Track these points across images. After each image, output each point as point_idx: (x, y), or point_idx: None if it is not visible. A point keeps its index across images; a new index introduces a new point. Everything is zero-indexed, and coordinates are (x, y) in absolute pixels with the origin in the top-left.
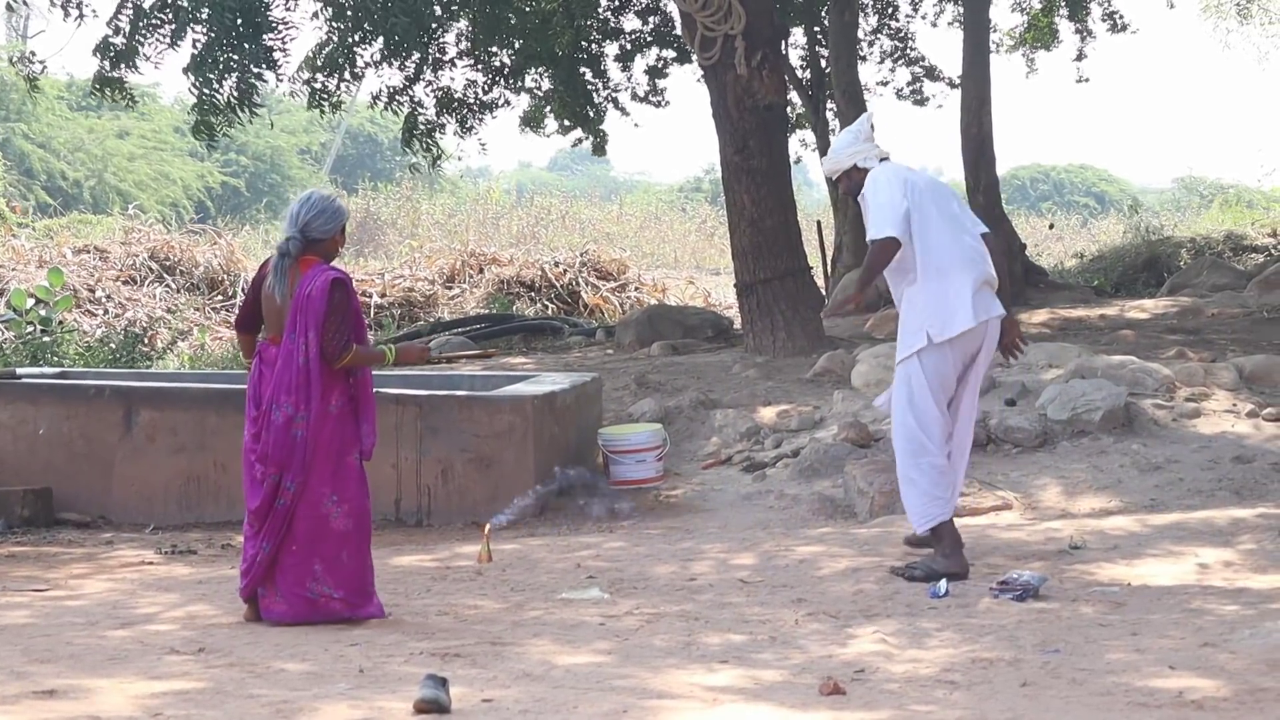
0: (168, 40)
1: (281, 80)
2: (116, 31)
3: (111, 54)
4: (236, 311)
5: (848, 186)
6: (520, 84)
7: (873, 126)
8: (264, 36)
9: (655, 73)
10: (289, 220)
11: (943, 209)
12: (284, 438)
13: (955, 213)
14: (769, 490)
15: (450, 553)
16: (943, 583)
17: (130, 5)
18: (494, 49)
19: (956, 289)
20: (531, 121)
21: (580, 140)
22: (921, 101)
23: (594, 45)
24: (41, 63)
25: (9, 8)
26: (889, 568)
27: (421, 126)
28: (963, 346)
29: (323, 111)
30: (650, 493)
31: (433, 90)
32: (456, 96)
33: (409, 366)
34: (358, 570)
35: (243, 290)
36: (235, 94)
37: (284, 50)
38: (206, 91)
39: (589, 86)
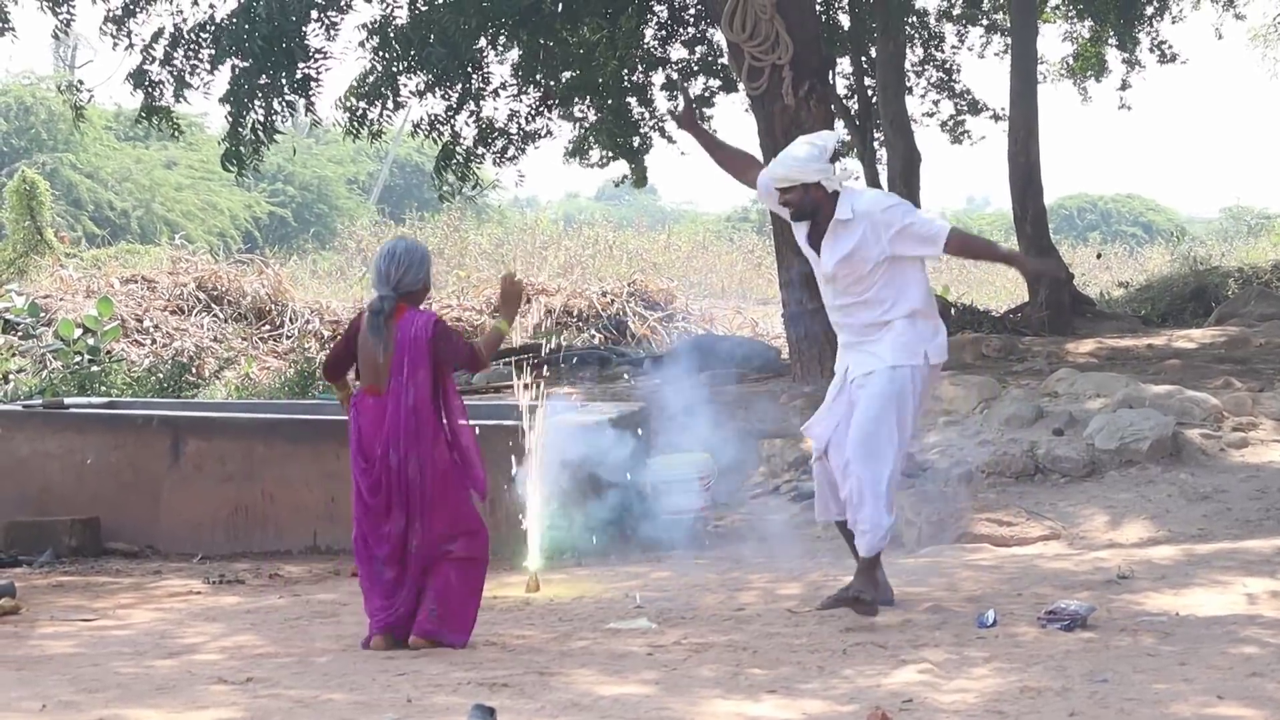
0: (206, 66)
1: (312, 109)
2: (150, 59)
3: (146, 83)
4: (326, 355)
5: (799, 200)
6: (568, 113)
7: (836, 149)
8: (300, 65)
9: (702, 102)
10: (379, 278)
11: None
12: (402, 481)
13: None
14: (816, 520)
15: (497, 582)
16: (990, 612)
17: (166, 34)
18: (538, 78)
19: (937, 325)
20: (576, 152)
21: (623, 179)
22: (962, 138)
23: (640, 75)
24: (89, 92)
25: (55, 36)
26: (819, 605)
27: (458, 156)
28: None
29: (356, 137)
30: (698, 522)
31: (474, 120)
32: (498, 127)
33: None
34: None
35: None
36: (262, 122)
37: (318, 80)
38: (241, 120)
39: (634, 116)
